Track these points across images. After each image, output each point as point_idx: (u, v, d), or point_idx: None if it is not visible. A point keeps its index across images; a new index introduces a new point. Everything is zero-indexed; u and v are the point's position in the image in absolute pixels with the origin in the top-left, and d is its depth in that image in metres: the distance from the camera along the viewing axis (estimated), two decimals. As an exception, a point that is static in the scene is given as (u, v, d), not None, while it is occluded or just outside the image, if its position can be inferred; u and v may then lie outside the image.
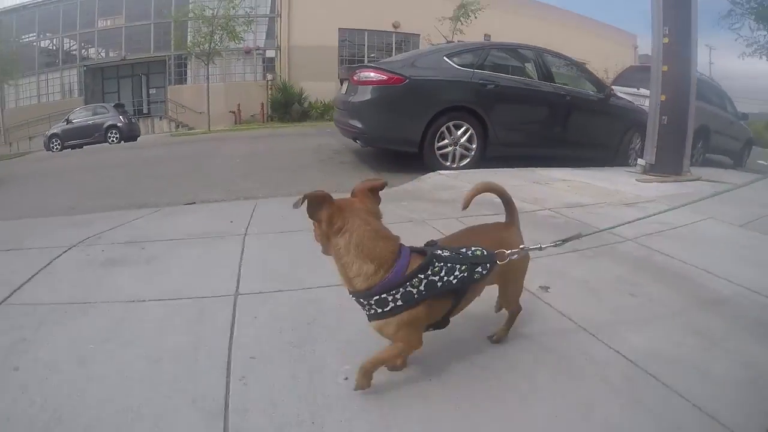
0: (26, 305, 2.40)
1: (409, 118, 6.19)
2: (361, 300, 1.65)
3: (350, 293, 1.68)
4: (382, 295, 1.60)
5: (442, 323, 1.82)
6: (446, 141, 6.37)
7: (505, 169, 6.22)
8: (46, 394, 1.71)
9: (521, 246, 1.88)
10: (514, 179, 5.57)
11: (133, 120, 22.61)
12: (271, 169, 7.06)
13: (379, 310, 1.63)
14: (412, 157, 6.46)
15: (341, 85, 7.50)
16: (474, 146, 6.51)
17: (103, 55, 31.71)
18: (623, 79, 10.63)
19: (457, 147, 6.43)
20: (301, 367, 1.90)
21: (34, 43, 31.74)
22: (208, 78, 24.43)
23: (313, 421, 1.62)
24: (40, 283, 2.67)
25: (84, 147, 18.67)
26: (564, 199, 4.66)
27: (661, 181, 5.92)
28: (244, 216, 3.93)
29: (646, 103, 8.40)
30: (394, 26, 28.87)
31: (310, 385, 1.80)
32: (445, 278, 1.66)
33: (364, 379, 1.75)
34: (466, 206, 1.94)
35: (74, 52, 31.83)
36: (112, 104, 22.67)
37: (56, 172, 9.14)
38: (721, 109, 11.00)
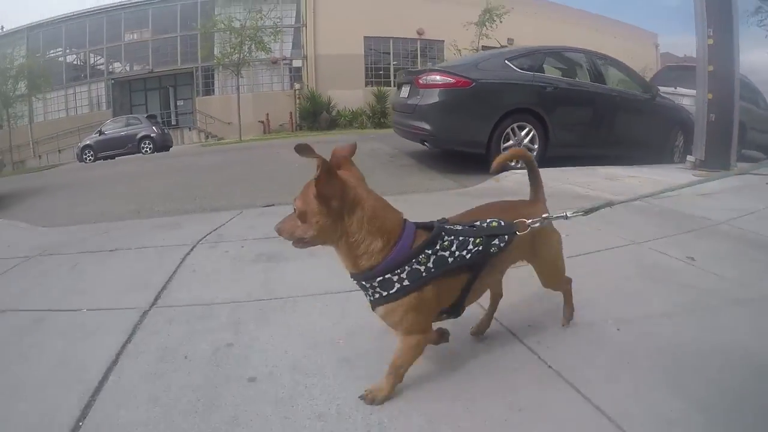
0: (198, 305, 2.45)
1: (477, 120, 6.33)
2: (364, 283, 1.52)
3: (352, 276, 1.56)
4: (386, 276, 1.47)
5: (455, 311, 1.68)
6: (511, 142, 6.49)
7: (571, 168, 6.33)
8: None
9: (544, 215, 1.72)
10: (585, 176, 5.70)
11: (165, 131, 22.93)
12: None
13: (384, 293, 1.50)
14: (470, 158, 6.64)
15: (399, 89, 7.63)
16: (536, 147, 6.64)
17: (129, 68, 32.20)
18: (660, 78, 10.71)
19: (521, 148, 6.57)
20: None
21: (61, 58, 32.27)
22: (238, 88, 24.77)
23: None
24: (195, 282, 2.78)
25: (116, 158, 18.94)
26: (644, 192, 4.78)
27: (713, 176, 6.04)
28: None
29: (684, 101, 8.59)
30: (419, 33, 29.04)
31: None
32: (457, 253, 1.53)
33: (387, 392, 1.64)
34: (496, 171, 1.98)
35: (101, 66, 32.39)
36: (145, 115, 23.01)
37: (105, 180, 9.36)
38: (754, 104, 11.03)
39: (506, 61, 6.72)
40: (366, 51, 28.84)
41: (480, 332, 2.04)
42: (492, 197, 4.46)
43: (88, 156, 21.02)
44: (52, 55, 31.82)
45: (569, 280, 2.05)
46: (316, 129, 25.12)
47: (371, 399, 1.63)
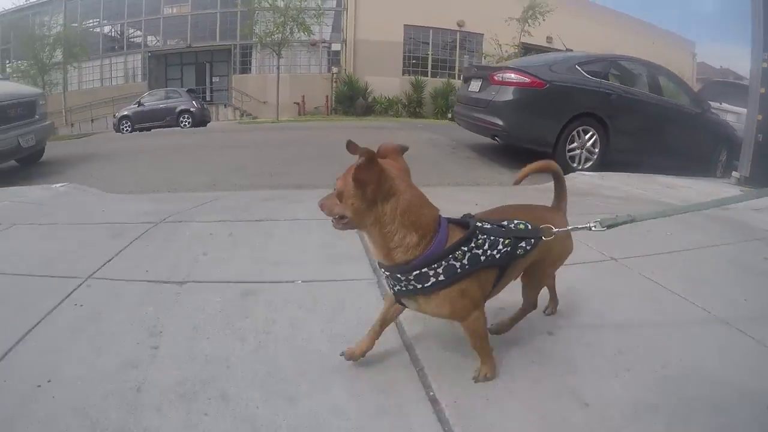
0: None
1: (547, 120, 6.54)
2: (398, 275, 1.53)
3: (383, 267, 1.58)
4: (423, 270, 1.49)
5: None
6: (575, 144, 6.70)
7: (631, 174, 6.44)
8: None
9: (570, 227, 1.75)
10: (645, 183, 5.85)
11: (204, 106, 23.12)
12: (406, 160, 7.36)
13: (419, 286, 1.52)
14: (531, 155, 6.80)
15: (466, 83, 7.82)
16: (597, 150, 6.83)
17: (163, 43, 32.39)
18: (706, 92, 10.79)
19: (583, 150, 6.75)
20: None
21: (97, 29, 32.60)
22: (278, 68, 24.92)
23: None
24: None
25: (151, 130, 19.36)
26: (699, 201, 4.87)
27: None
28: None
29: (728, 117, 8.75)
30: (459, 25, 28.92)
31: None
32: (489, 252, 1.57)
33: (492, 365, 1.73)
34: (519, 182, 1.95)
35: (136, 39, 32.72)
36: (186, 89, 23.33)
37: (156, 151, 9.58)
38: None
39: (577, 66, 6.89)
40: (405, 39, 28.80)
41: (500, 332, 2.01)
42: (581, 195, 4.68)
43: (126, 126, 21.31)
44: (90, 24, 32.11)
45: (554, 277, 2.12)
46: (352, 114, 25.27)
47: (484, 376, 1.71)
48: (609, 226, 1.72)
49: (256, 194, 4.70)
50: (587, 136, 6.74)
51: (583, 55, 7.50)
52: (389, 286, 1.62)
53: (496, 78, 6.72)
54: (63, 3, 31.62)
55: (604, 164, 6.83)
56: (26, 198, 4.70)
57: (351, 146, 1.40)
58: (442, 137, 9.69)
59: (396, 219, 1.45)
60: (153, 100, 22.18)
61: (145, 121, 21.03)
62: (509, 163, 7.00)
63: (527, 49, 24.49)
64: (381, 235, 1.48)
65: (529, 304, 2.00)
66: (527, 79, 6.46)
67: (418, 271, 1.49)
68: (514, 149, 7.33)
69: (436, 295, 1.53)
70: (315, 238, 2.99)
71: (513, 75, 6.57)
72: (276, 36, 24.22)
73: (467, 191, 5.01)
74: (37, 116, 7.67)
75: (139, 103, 22.09)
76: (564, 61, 7.14)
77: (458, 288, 1.53)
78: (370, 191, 1.42)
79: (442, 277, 1.49)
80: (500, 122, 6.58)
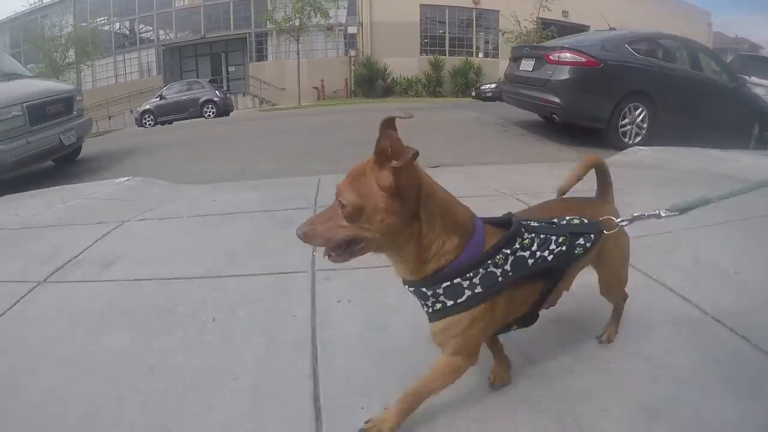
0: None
1: (602, 98, 6.76)
2: (424, 290, 1.25)
3: (408, 284, 1.28)
4: (455, 280, 1.21)
5: (530, 318, 1.44)
6: (626, 120, 6.92)
7: (680, 147, 6.54)
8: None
9: (636, 214, 1.46)
10: (697, 156, 5.96)
11: (227, 95, 23.19)
12: (461, 140, 7.68)
13: (449, 303, 1.23)
14: (582, 132, 7.14)
15: (515, 62, 8.03)
16: (645, 126, 7.05)
17: (174, 35, 32.42)
18: (734, 66, 10.85)
19: (633, 126, 6.94)
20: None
21: (108, 26, 32.61)
22: (298, 53, 25.15)
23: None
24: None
25: (173, 122, 19.31)
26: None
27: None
28: (506, 178, 4.36)
29: (758, 90, 9.04)
30: (474, 2, 28.87)
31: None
32: (538, 254, 1.30)
33: (394, 423, 1.34)
34: (563, 193, 1.62)
35: (145, 34, 32.78)
36: (207, 79, 23.38)
37: (198, 141, 9.71)
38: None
39: (626, 45, 7.09)
40: (422, 19, 28.78)
41: (611, 340, 1.83)
42: (633, 169, 4.87)
43: (149, 121, 21.28)
44: (100, 22, 32.15)
45: (626, 296, 1.81)
46: (372, 96, 25.50)
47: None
48: (682, 211, 1.43)
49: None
50: (637, 112, 6.95)
51: (630, 34, 7.66)
52: (422, 307, 1.32)
53: (552, 57, 6.91)
54: (72, 2, 31.80)
55: (651, 138, 7.00)
56: (100, 194, 4.70)
57: (389, 140, 1.07)
58: (485, 116, 9.92)
59: (436, 224, 1.18)
60: (175, 93, 22.03)
61: (168, 113, 20.94)
62: (562, 139, 7.20)
63: (546, 25, 24.37)
64: (417, 248, 1.19)
65: (617, 303, 1.80)
66: (583, 59, 6.66)
67: (449, 283, 1.21)
68: (562, 126, 7.52)
69: (460, 315, 1.24)
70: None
71: (569, 54, 6.77)
72: (295, 21, 24.29)
73: (551, 167, 5.18)
74: (74, 112, 7.47)
75: (161, 97, 22.00)
76: (615, 40, 7.33)
77: (487, 306, 1.24)
78: (412, 197, 1.14)
79: (479, 289, 1.22)
80: (558, 100, 6.79)
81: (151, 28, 32.56)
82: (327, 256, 1.19)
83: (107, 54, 31.38)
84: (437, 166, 5.37)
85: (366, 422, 1.35)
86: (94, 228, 3.35)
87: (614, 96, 6.75)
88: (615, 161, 5.73)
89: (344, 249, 1.17)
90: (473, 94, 22.68)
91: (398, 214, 1.12)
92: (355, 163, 1.16)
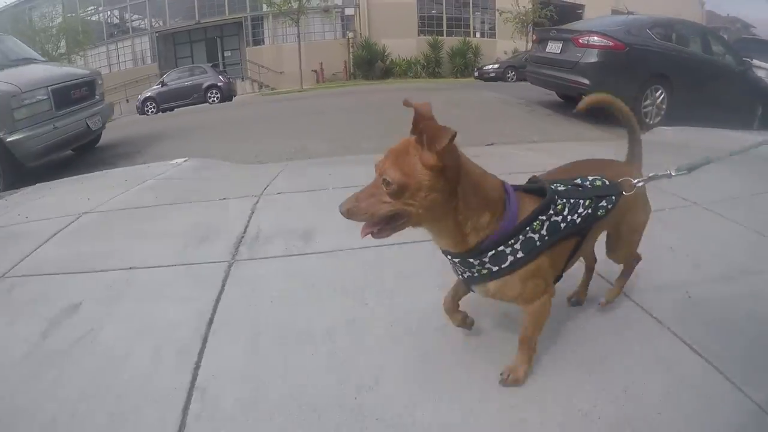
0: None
1: (628, 80, 7.21)
2: (471, 260, 1.37)
3: (450, 255, 1.42)
4: (499, 248, 1.33)
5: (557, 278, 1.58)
6: (648, 101, 7.42)
7: (699, 128, 6.97)
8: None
9: (651, 174, 1.60)
10: (716, 136, 6.43)
11: (231, 80, 23.06)
12: (496, 120, 8.00)
13: (495, 268, 1.36)
14: (600, 112, 7.37)
15: (540, 44, 8.49)
16: (664, 107, 7.56)
17: (162, 23, 32.08)
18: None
19: (654, 107, 7.44)
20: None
21: (97, 16, 32.27)
22: (299, 36, 25.12)
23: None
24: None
25: (174, 109, 19.15)
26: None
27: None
28: (560, 153, 4.53)
29: (759, 73, 9.55)
30: (470, -19, 28.95)
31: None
32: (569, 217, 1.42)
33: (527, 368, 1.61)
34: (583, 108, 1.82)
35: (137, 22, 32.44)
36: (210, 64, 23.20)
37: (226, 123, 9.85)
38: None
39: (648, 30, 7.60)
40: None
41: (580, 302, 2.03)
42: (663, 147, 5.28)
43: (150, 108, 21.01)
44: (91, 11, 31.89)
45: (639, 257, 1.94)
46: (372, 77, 25.68)
47: (514, 380, 1.57)
48: (689, 169, 1.59)
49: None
50: (657, 94, 7.44)
51: (649, 19, 8.10)
52: (458, 273, 1.49)
53: (581, 41, 7.35)
54: None
55: (668, 119, 7.50)
56: (168, 174, 4.73)
57: (426, 118, 1.19)
58: (506, 96, 10.30)
59: (473, 199, 1.29)
60: (177, 79, 21.88)
61: (170, 100, 20.73)
62: (587, 119, 7.61)
63: (544, 4, 24.66)
64: (455, 223, 1.30)
65: (629, 262, 1.96)
66: (611, 43, 7.13)
67: (493, 251, 1.34)
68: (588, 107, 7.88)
69: (512, 275, 1.38)
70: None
71: (597, 38, 7.22)
72: (294, 4, 24.31)
73: (587, 145, 5.58)
74: (97, 96, 7.25)
75: (163, 83, 21.78)
76: (637, 24, 7.81)
77: (534, 265, 1.39)
78: (454, 175, 1.24)
79: (520, 254, 1.35)
80: (587, 81, 7.23)
81: (143, 16, 32.20)
82: (369, 234, 1.28)
83: (99, 43, 31.00)
84: (491, 144, 5.74)
85: (501, 374, 1.59)
86: (221, 204, 3.52)
87: (639, 78, 7.21)
88: (645, 140, 6.06)
89: (386, 224, 1.26)
90: (476, 74, 22.94)
91: (440, 190, 1.21)
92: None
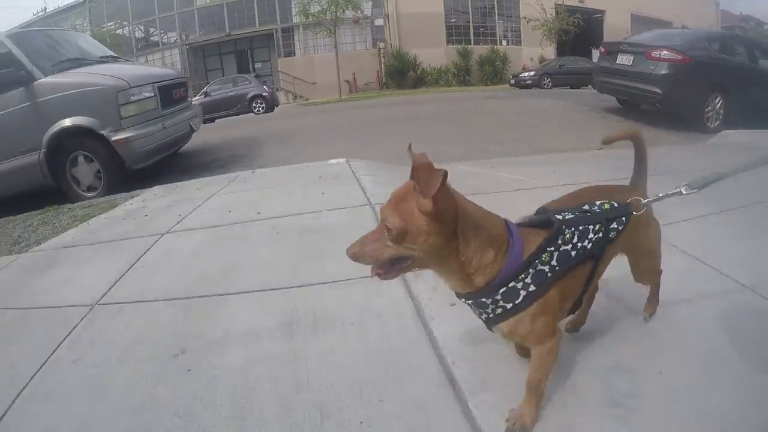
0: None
1: (695, 89, 8.29)
2: (483, 299, 1.36)
3: (463, 297, 1.42)
4: (510, 284, 1.33)
5: (575, 304, 1.58)
6: (709, 108, 8.47)
7: (757, 130, 7.61)
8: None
9: (660, 194, 1.58)
10: None
11: (275, 90, 23.40)
12: (575, 127, 8.59)
13: (509, 305, 1.35)
14: (669, 117, 8.61)
15: (610, 55, 9.49)
16: (722, 112, 8.56)
17: (185, 36, 32.80)
18: None
19: (713, 113, 8.51)
20: None
21: (123, 30, 33.14)
22: (336, 47, 25.66)
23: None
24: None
25: (215, 120, 18.70)
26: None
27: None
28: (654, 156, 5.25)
29: None
30: (495, -10, 29.80)
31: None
32: (579, 244, 1.43)
33: (534, 414, 1.53)
34: (608, 142, 1.82)
35: (168, 34, 33.18)
36: (253, 74, 23.74)
37: (328, 129, 10.08)
38: None
39: (707, 43, 8.72)
40: (446, 9, 29.78)
41: (575, 329, 1.98)
42: (734, 149, 6.21)
43: None
44: (121, 24, 32.81)
45: (660, 271, 1.94)
46: (404, 87, 26.37)
47: (521, 427, 1.51)
48: (701, 187, 1.55)
49: (545, 158, 5.62)
50: (716, 101, 8.48)
51: (705, 33, 9.21)
52: (477, 315, 1.47)
53: (653, 54, 8.41)
54: (87, 7, 32.33)
55: (726, 123, 8.45)
56: (336, 172, 4.85)
57: (421, 167, 1.18)
58: (568, 103, 11.07)
59: (473, 240, 1.29)
60: (220, 89, 21.96)
61: (214, 110, 20.09)
62: (658, 123, 8.53)
63: (571, 11, 25.51)
64: (458, 264, 1.31)
65: (654, 282, 1.98)
66: (679, 56, 8.20)
67: (504, 288, 1.34)
68: (648, 112, 9.02)
69: (525, 312, 1.37)
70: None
71: (666, 52, 8.29)
72: (329, 14, 24.74)
73: (667, 149, 6.36)
74: (189, 99, 7.02)
75: (206, 94, 21.73)
76: (698, 39, 8.95)
77: (545, 300, 1.38)
78: (450, 219, 1.25)
79: (532, 287, 1.35)
80: (659, 91, 8.26)
81: (173, 29, 33.10)
82: (376, 275, 1.31)
83: (130, 56, 31.18)
84: (600, 149, 5.77)
85: (507, 420, 1.53)
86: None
87: (702, 87, 8.28)
88: (715, 143, 7.03)
89: (391, 266, 1.29)
90: (512, 81, 23.51)
91: (438, 234, 1.22)
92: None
